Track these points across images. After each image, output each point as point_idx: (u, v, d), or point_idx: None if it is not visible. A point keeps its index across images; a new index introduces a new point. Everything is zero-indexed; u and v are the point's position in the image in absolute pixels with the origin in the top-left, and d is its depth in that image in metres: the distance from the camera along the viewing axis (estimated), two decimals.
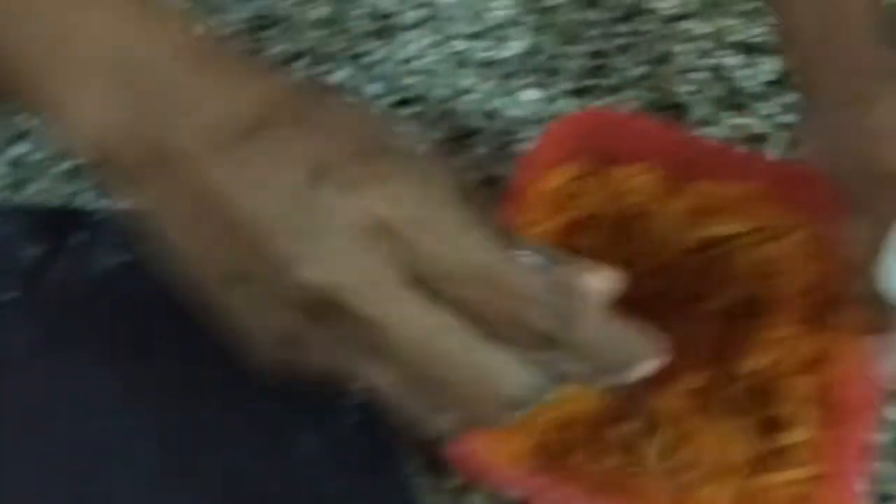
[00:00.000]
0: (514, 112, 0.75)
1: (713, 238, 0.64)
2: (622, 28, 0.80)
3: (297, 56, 0.77)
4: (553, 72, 0.77)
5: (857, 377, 0.60)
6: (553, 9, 0.80)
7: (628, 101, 0.76)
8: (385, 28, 0.78)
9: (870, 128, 0.48)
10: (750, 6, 0.82)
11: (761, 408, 0.59)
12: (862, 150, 0.48)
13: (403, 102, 0.75)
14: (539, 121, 0.75)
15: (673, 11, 0.81)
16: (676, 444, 0.58)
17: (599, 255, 0.63)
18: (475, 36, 0.78)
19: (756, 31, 0.81)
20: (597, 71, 0.78)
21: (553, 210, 0.66)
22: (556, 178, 0.66)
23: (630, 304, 0.62)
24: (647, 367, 0.38)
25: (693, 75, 0.77)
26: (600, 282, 0.36)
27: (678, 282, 0.63)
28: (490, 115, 0.75)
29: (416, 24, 0.78)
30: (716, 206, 0.65)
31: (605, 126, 0.67)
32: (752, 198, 0.65)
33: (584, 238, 0.65)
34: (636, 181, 0.66)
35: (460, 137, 0.73)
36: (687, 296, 0.63)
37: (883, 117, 0.48)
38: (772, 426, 0.59)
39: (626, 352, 0.37)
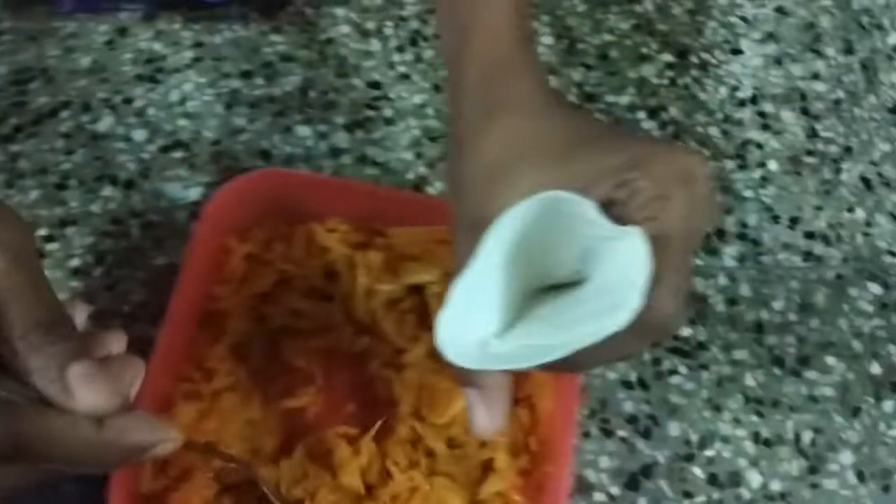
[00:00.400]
0: (289, 149, 0.73)
1: (410, 286, 0.63)
2: (402, 57, 0.79)
3: (65, 105, 0.74)
4: (328, 106, 0.76)
5: (552, 418, 0.59)
6: (329, 42, 0.79)
7: (405, 132, 0.75)
8: (154, 72, 0.76)
9: (460, 173, 0.43)
10: (532, 25, 0.82)
11: (469, 456, 0.58)
12: (455, 195, 0.44)
13: (173, 146, 0.73)
14: (312, 157, 0.73)
15: None
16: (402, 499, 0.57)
17: (302, 319, 0.62)
18: (247, 74, 0.76)
19: (539, 50, 0.81)
20: (373, 102, 0.76)
21: (248, 277, 0.63)
22: (247, 244, 0.64)
23: (338, 365, 0.61)
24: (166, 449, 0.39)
25: None
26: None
27: (382, 335, 0.62)
28: (264, 153, 0.73)
29: (186, 66, 0.76)
30: (409, 255, 0.63)
31: (285, 186, 0.65)
32: (442, 241, 0.63)
33: (285, 302, 0.63)
34: (330, 237, 0.64)
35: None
36: (391, 349, 0.61)
37: (469, 163, 0.43)
38: (484, 474, 0.58)
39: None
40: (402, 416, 0.59)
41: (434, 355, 0.60)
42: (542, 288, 0.42)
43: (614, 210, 0.39)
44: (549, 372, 0.56)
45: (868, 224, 0.76)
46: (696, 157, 0.39)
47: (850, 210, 0.77)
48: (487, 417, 0.41)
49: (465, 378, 0.41)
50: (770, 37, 0.85)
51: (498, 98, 0.44)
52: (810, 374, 0.69)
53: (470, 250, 0.40)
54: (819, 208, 0.77)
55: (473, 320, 0.38)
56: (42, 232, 0.68)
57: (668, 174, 0.38)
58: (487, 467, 0.58)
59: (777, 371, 0.69)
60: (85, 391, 0.36)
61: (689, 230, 0.38)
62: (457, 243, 0.42)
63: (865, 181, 0.78)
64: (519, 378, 0.61)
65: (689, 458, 0.66)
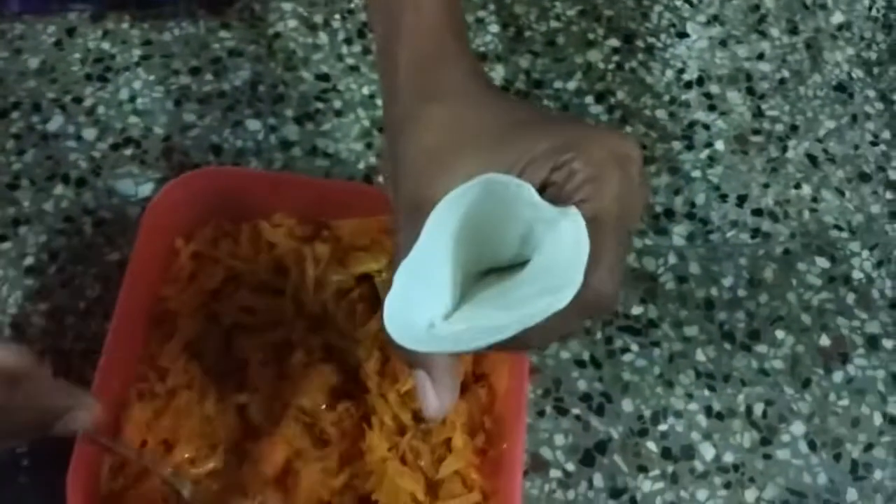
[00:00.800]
0: (239, 143, 0.74)
1: (359, 276, 0.63)
2: (351, 49, 0.80)
3: (14, 106, 0.74)
4: (277, 99, 0.76)
5: (506, 396, 0.60)
6: (277, 36, 0.79)
7: (354, 123, 0.76)
8: (103, 70, 0.76)
9: (399, 158, 0.43)
10: (479, 14, 0.83)
11: (433, 432, 0.59)
12: (395, 180, 0.43)
13: (123, 143, 0.73)
14: (263, 150, 0.74)
15: None
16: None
17: (254, 314, 0.62)
18: (196, 70, 0.77)
19: (487, 39, 0.82)
20: (323, 95, 0.77)
21: (197, 276, 0.63)
22: (194, 243, 0.64)
23: (285, 359, 0.61)
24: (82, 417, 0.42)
25: None
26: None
27: (335, 325, 0.62)
28: (215, 148, 0.74)
29: (136, 64, 0.77)
30: (357, 245, 0.64)
31: (227, 183, 0.65)
32: (387, 231, 0.64)
33: (236, 299, 0.63)
34: (276, 233, 0.64)
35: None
36: (345, 339, 0.62)
37: (407, 149, 0.42)
38: (445, 453, 0.59)
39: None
40: (371, 375, 0.60)
41: (384, 343, 0.61)
42: (483, 270, 0.43)
43: (549, 192, 0.40)
44: (497, 352, 0.56)
45: (814, 200, 0.78)
46: (629, 141, 0.40)
47: (797, 186, 0.78)
48: (437, 399, 0.41)
49: (413, 361, 0.41)
50: (715, 19, 0.86)
51: (431, 86, 0.45)
52: (760, 348, 0.70)
53: (411, 233, 0.40)
54: (766, 186, 0.78)
55: (420, 302, 0.39)
56: None
57: (602, 157, 0.39)
58: (449, 446, 0.59)
59: (727, 346, 0.70)
60: None
61: (622, 211, 0.39)
62: (398, 227, 0.43)
63: (811, 158, 0.80)
64: (477, 357, 0.61)
65: (643, 434, 0.66)
